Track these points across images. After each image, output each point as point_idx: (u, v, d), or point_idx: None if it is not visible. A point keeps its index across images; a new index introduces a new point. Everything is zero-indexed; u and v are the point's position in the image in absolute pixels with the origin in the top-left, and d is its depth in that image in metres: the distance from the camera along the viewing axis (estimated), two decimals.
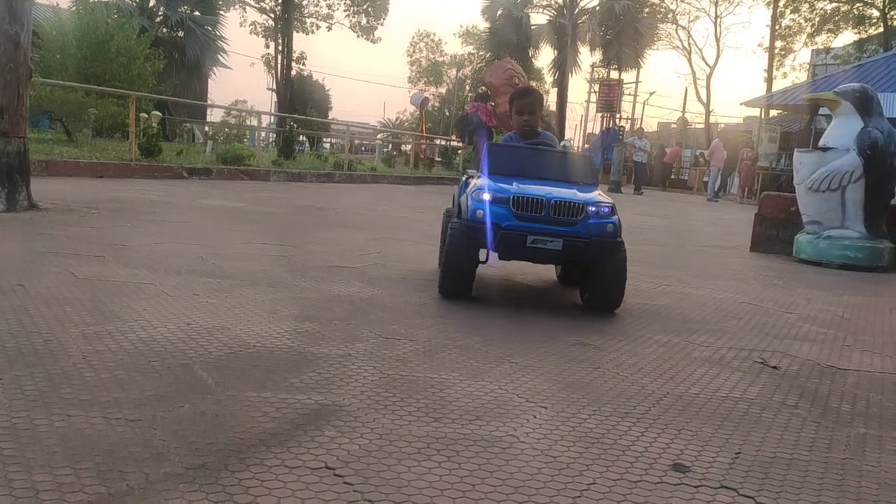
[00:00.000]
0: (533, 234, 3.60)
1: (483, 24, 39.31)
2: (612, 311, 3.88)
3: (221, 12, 29.08)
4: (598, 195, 3.82)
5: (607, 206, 3.71)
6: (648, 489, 1.81)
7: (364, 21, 33.54)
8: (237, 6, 31.00)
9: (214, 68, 29.15)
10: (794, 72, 39.49)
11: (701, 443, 2.16)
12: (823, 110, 8.68)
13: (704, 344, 3.45)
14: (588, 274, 3.90)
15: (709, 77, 40.57)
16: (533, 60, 34.76)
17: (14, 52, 5.92)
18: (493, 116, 14.55)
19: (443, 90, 61.22)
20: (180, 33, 26.85)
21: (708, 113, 39.29)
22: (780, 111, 26.76)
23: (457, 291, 3.88)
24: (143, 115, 13.33)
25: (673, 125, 40.78)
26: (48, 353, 2.45)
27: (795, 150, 8.07)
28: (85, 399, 2.07)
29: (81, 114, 14.39)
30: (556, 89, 32.87)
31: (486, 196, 3.66)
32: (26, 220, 5.67)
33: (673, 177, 30.77)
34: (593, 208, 3.66)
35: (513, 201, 3.64)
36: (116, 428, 1.89)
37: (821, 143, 7.62)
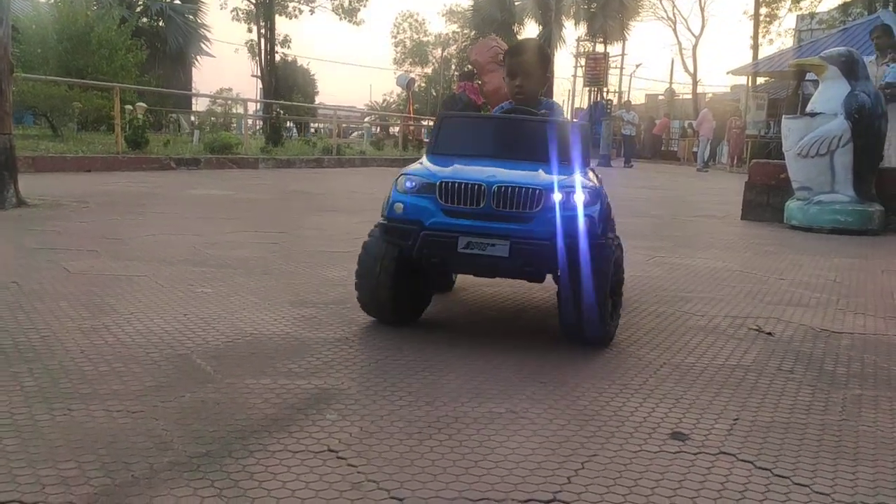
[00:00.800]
0: (467, 235, 2.58)
1: (467, 2, 39.08)
2: (600, 345, 2.77)
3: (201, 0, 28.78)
4: (576, 178, 2.71)
5: (583, 193, 2.64)
6: (648, 458, 1.83)
7: (346, 3, 33.26)
8: None
9: (198, 57, 28.92)
10: (780, 38, 39.54)
11: (699, 411, 2.18)
12: (810, 76, 8.66)
13: (699, 313, 3.47)
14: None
15: (695, 47, 40.47)
16: (518, 36, 34.55)
17: None
18: (479, 94, 14.49)
19: (429, 70, 60.92)
20: (161, 23, 26.57)
21: (695, 83, 39.22)
22: (767, 78, 26.75)
23: (374, 312, 2.95)
24: (129, 106, 13.22)
25: (660, 97, 40.72)
26: (46, 348, 2.45)
27: (783, 116, 8.08)
28: (85, 392, 2.07)
29: (66, 108, 14.26)
30: None
31: (408, 183, 2.72)
32: (16, 217, 5.64)
33: (662, 148, 30.79)
34: (558, 195, 2.58)
35: (440, 189, 2.62)
36: (118, 420, 1.90)
37: (808, 108, 7.62)
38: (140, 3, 26.94)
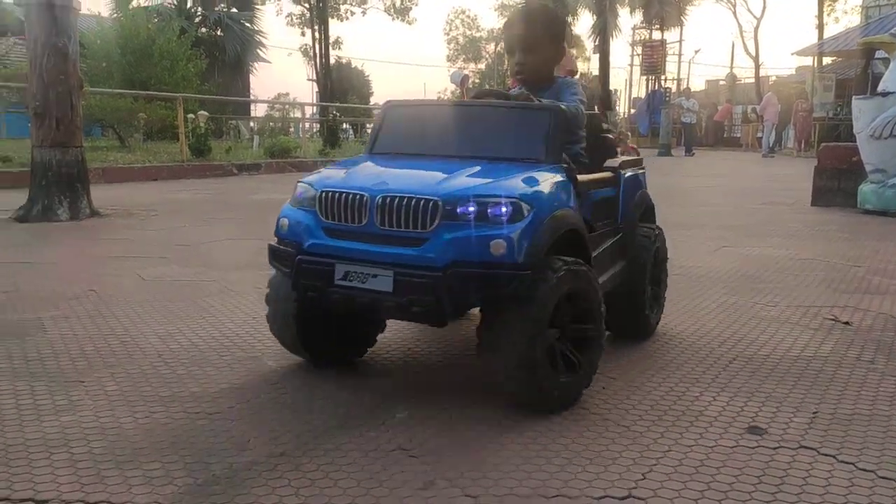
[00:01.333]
0: (345, 263, 2.01)
1: None
2: (546, 412, 2.03)
3: (257, 6, 29.34)
4: (510, 182, 2.02)
5: (502, 205, 1.93)
6: (725, 453, 1.79)
7: (398, 3, 33.54)
8: None
9: (255, 63, 29.49)
10: (846, 15, 37.95)
11: (775, 404, 2.13)
12: (880, 53, 8.34)
13: (770, 303, 3.38)
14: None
15: (756, 29, 39.26)
16: (571, 28, 34.22)
17: (63, 64, 6.09)
18: None
19: (482, 66, 60.81)
20: (219, 32, 27.19)
21: (757, 66, 38.10)
22: (834, 58, 25.83)
23: (290, 350, 2.44)
24: (191, 115, 13.57)
25: (721, 82, 39.73)
26: (125, 353, 2.54)
27: (853, 97, 7.79)
28: (165, 395, 2.14)
29: (132, 119, 14.74)
30: (597, 55, 32.37)
31: (300, 192, 2.19)
32: (90, 227, 5.85)
33: (725, 135, 30.08)
34: (465, 207, 1.93)
35: (320, 201, 2.09)
36: (197, 421, 1.96)
37: (879, 88, 7.34)
38: (198, 13, 27.62)
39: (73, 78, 6.22)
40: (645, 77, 31.26)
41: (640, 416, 2.03)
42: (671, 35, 34.65)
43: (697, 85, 41.09)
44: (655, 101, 25.55)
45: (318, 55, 30.41)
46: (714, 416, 2.03)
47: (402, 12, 34.11)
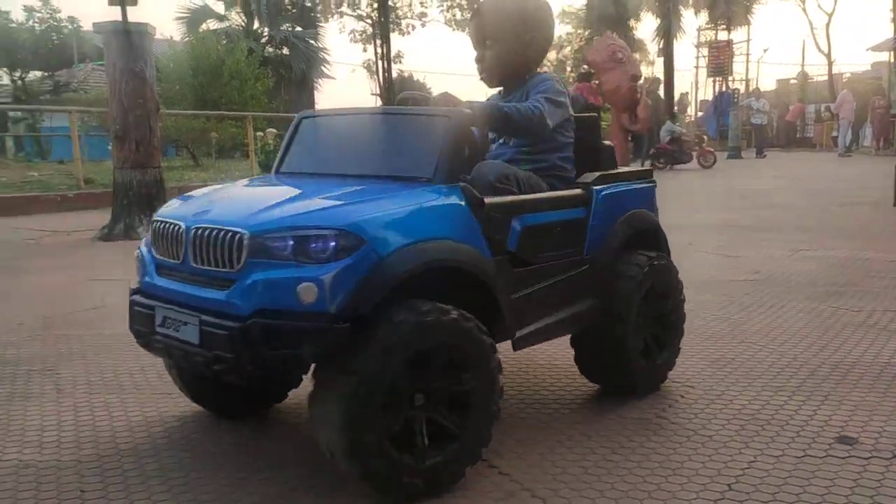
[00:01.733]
0: (164, 307, 1.73)
1: (579, 2, 38.56)
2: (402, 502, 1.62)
3: (320, 24, 29.95)
4: (356, 207, 1.66)
5: (328, 239, 1.57)
6: (815, 464, 1.74)
7: (458, 15, 33.75)
8: (334, 15, 31.99)
9: (320, 80, 30.07)
10: None
11: (866, 412, 2.05)
12: None
13: (855, 308, 3.26)
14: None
15: (827, 25, 37.98)
16: (634, 32, 33.77)
17: (142, 88, 6.33)
18: (598, 95, 14.23)
19: None
20: (285, 50, 27.84)
21: (830, 63, 36.83)
22: None
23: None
24: (259, 133, 13.92)
25: (792, 81, 38.55)
26: None
27: None
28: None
29: (204, 139, 15.22)
30: (661, 58, 31.86)
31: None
32: None
33: (797, 135, 29.15)
34: (280, 241, 1.58)
35: (153, 233, 1.84)
36: (280, 432, 2.01)
37: None
38: (265, 33, 28.34)
39: (151, 101, 6.46)
40: (712, 79, 30.57)
41: (722, 425, 1.99)
42: (738, 35, 33.74)
43: (767, 85, 39.86)
44: (723, 103, 24.95)
45: (380, 70, 30.84)
46: (801, 426, 1.97)
47: (462, 24, 34.26)
